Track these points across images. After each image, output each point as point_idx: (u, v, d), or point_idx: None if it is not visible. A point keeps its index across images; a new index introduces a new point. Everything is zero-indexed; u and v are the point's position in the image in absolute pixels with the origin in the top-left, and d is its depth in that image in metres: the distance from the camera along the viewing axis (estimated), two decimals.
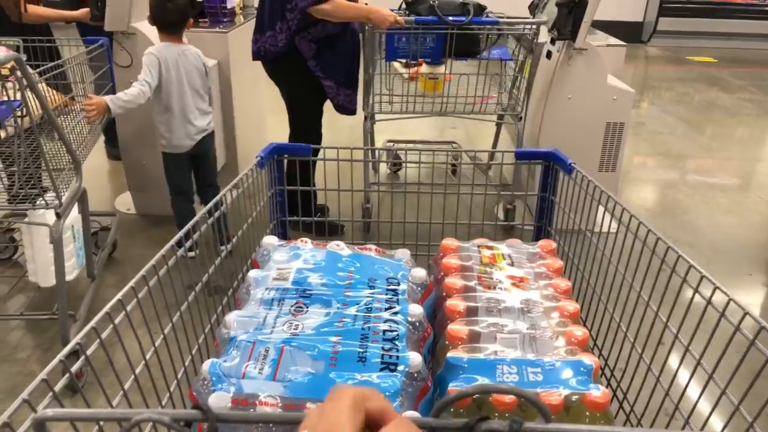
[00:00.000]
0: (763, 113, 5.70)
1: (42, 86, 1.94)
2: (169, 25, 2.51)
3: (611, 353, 1.07)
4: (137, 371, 0.79)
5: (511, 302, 0.98)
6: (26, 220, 2.05)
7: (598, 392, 0.81)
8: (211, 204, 1.07)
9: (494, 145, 3.55)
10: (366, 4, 2.76)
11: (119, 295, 0.76)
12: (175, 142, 2.60)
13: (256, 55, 2.83)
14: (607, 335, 1.08)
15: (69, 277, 2.15)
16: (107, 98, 2.31)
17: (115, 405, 0.71)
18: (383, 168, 3.86)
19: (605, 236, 1.11)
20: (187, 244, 0.97)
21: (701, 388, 0.84)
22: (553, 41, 2.87)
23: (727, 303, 0.79)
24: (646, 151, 4.46)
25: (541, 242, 1.15)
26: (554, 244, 1.14)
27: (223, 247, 1.09)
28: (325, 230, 1.56)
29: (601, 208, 1.13)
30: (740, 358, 0.75)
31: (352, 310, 0.92)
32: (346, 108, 2.90)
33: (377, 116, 3.07)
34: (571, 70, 2.78)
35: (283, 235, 1.31)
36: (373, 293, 0.96)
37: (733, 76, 6.76)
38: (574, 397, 0.81)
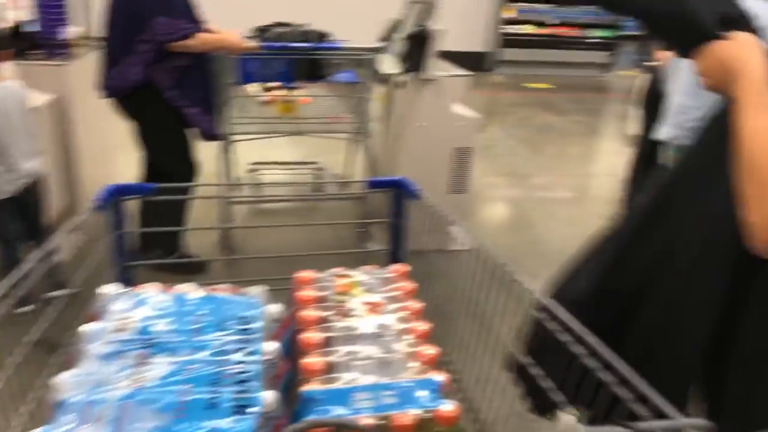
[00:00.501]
0: (591, 133, 6.42)
1: None
2: None
3: (464, 368, 1.12)
4: None
5: (365, 328, 1.00)
6: None
7: (448, 407, 0.85)
8: (39, 253, 0.98)
9: (349, 161, 3.72)
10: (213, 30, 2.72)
11: None
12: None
13: (107, 93, 2.67)
14: (460, 351, 1.13)
15: None
16: None
17: None
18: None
19: (452, 255, 1.18)
20: (19, 298, 0.87)
21: None
22: (403, 73, 3.02)
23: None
24: (495, 172, 4.81)
25: (394, 266, 1.19)
26: (407, 268, 1.18)
27: (53, 294, 0.99)
28: (185, 270, 1.49)
29: (450, 231, 1.19)
30: None
31: (201, 356, 0.89)
32: (213, 134, 2.83)
33: (238, 139, 3.08)
34: (421, 99, 2.94)
35: (128, 282, 1.23)
36: (224, 335, 0.94)
37: (566, 100, 7.54)
38: (426, 415, 0.84)
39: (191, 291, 1.03)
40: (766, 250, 0.75)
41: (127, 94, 2.61)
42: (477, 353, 1.08)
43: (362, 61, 3.10)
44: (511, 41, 8.84)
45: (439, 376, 0.90)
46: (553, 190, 4.57)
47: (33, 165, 2.44)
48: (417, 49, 2.81)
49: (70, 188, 3.15)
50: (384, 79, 3.29)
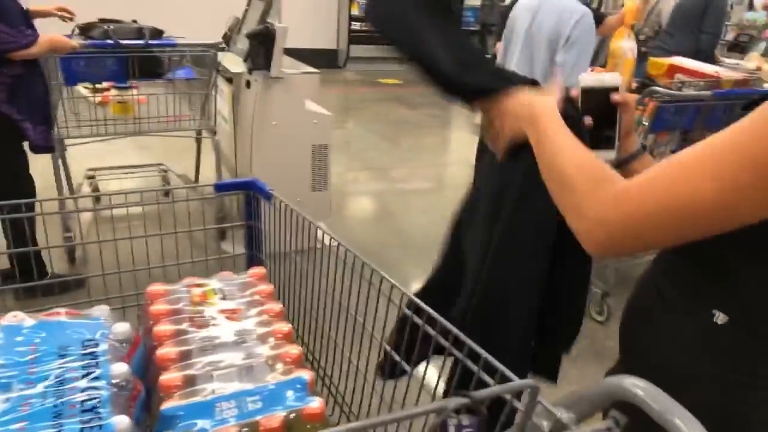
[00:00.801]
0: (443, 125, 6.78)
1: None
2: None
3: (327, 363, 1.14)
4: None
5: (225, 336, 0.98)
6: None
7: (315, 404, 0.86)
8: None
9: (197, 161, 3.72)
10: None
11: None
12: None
13: None
14: (323, 348, 1.14)
15: None
16: None
17: None
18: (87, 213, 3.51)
19: (312, 254, 1.18)
20: None
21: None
22: (250, 71, 2.96)
23: (402, 296, 0.91)
24: (355, 167, 4.91)
25: (252, 270, 1.17)
26: (264, 270, 1.17)
27: None
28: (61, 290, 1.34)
29: (308, 230, 1.19)
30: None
31: (39, 388, 0.81)
32: (43, 146, 2.61)
33: (69, 143, 2.92)
34: (272, 98, 2.91)
35: None
36: (65, 362, 0.86)
37: (416, 95, 7.88)
38: (292, 415, 0.84)
39: (22, 319, 0.94)
40: (594, 250, 0.84)
41: None
42: (344, 349, 1.10)
43: (201, 57, 3.09)
44: (360, 38, 9.03)
45: (305, 374, 0.91)
46: (412, 181, 4.76)
47: None
48: (262, 47, 2.77)
49: None
50: (229, 78, 3.21)
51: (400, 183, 4.67)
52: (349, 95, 7.92)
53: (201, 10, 5.29)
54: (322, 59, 5.88)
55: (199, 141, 3.62)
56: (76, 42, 2.61)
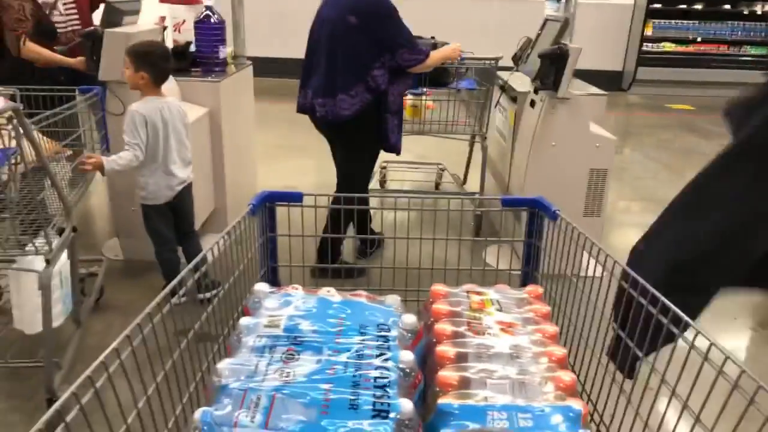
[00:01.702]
0: None
1: (37, 134, 1.97)
2: (160, 80, 2.54)
3: (599, 398, 1.08)
4: (129, 420, 0.79)
5: (500, 348, 1.00)
6: (15, 266, 2.03)
7: None
8: (200, 256, 1.07)
9: (467, 164, 4.12)
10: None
11: (115, 344, 0.77)
12: (157, 194, 2.60)
13: (323, 120, 2.78)
14: (595, 380, 1.09)
15: (55, 324, 2.13)
16: (104, 160, 2.38)
17: None
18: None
19: (591, 281, 1.14)
20: (182, 292, 0.98)
21: (688, 430, 0.85)
22: (536, 91, 2.97)
23: (709, 347, 0.81)
24: (629, 196, 4.55)
25: (529, 288, 1.18)
26: (541, 290, 1.16)
27: (206, 294, 1.09)
28: (347, 275, 1.54)
29: (586, 253, 1.16)
30: (724, 401, 0.77)
31: (343, 357, 0.93)
32: (397, 146, 2.93)
33: None
34: (555, 118, 2.87)
35: (274, 282, 1.32)
36: (363, 340, 0.98)
37: (711, 123, 6.97)
38: None
39: (332, 295, 1.09)
40: None
41: (348, 120, 2.72)
42: (614, 385, 1.03)
43: (483, 70, 3.47)
44: (649, 59, 8.36)
45: (578, 404, 0.87)
46: None
47: (187, 173, 2.70)
48: (552, 67, 2.75)
49: (216, 193, 3.44)
50: (513, 96, 3.27)
51: None
52: (631, 119, 7.39)
53: (493, 31, 5.51)
54: (604, 80, 5.61)
55: (471, 146, 3.98)
56: (457, 51, 3.02)
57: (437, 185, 4.40)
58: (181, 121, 2.62)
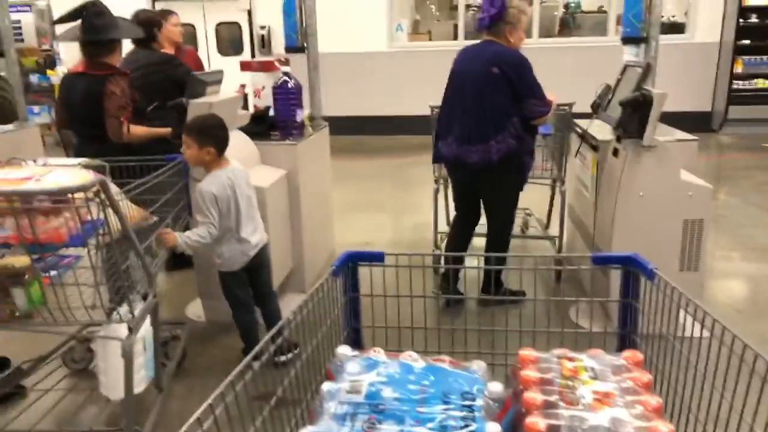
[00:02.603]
0: None
1: (126, 202, 2.10)
2: (224, 149, 2.59)
3: None
4: None
5: (596, 421, 0.93)
6: (101, 333, 2.12)
7: None
8: (282, 323, 1.08)
9: (550, 206, 4.16)
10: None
11: (198, 413, 0.78)
12: (233, 261, 2.66)
13: (476, 165, 3.07)
14: None
15: (137, 390, 2.19)
16: (178, 236, 2.45)
17: None
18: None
19: (693, 342, 1.05)
20: (263, 358, 0.98)
21: None
22: (618, 139, 2.88)
23: None
24: (729, 246, 4.26)
25: (626, 353, 1.10)
26: (641, 355, 1.09)
27: (281, 358, 1.09)
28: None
29: (684, 312, 1.08)
30: None
31: (425, 429, 0.90)
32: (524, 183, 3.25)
33: None
34: (641, 167, 2.76)
35: (356, 344, 1.32)
36: (447, 409, 0.94)
37: None
38: None
39: (415, 359, 1.07)
40: None
41: (494, 165, 3.03)
42: None
43: (559, 116, 3.46)
44: (740, 97, 7.98)
45: None
46: None
47: (260, 235, 2.74)
48: (635, 115, 2.67)
49: (294, 253, 3.53)
50: (594, 145, 3.19)
51: None
52: (724, 162, 7.00)
53: (569, 77, 5.46)
54: (690, 122, 5.38)
55: (553, 190, 3.98)
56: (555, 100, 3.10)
57: (523, 230, 4.47)
58: (247, 185, 2.68)
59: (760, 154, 7.18)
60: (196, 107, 2.91)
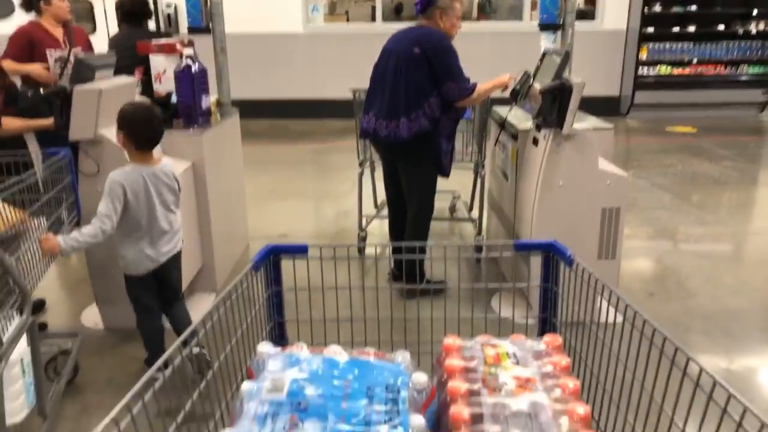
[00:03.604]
0: (750, 182, 5.94)
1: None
2: (150, 144, 2.47)
3: None
4: None
5: (517, 407, 0.99)
6: None
7: None
8: (186, 333, 1.05)
9: (473, 190, 4.32)
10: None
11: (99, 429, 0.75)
12: (137, 265, 2.54)
13: (386, 140, 3.24)
14: None
15: (16, 419, 2.05)
16: (60, 239, 2.29)
17: None
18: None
19: (611, 328, 1.13)
20: (167, 371, 0.96)
21: None
22: (538, 128, 3.01)
23: (728, 399, 0.79)
24: (641, 230, 4.57)
25: (547, 337, 1.17)
26: (560, 339, 1.16)
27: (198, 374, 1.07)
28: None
29: (604, 300, 1.15)
30: None
31: (349, 425, 0.92)
32: (447, 170, 3.36)
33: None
34: (561, 157, 2.90)
35: (281, 338, 1.32)
36: (371, 404, 0.97)
37: (715, 145, 7.08)
38: None
39: (339, 354, 1.09)
40: None
41: (408, 141, 3.16)
42: None
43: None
44: (646, 84, 8.58)
45: None
46: (712, 251, 4.24)
47: (173, 243, 2.62)
48: (555, 104, 2.79)
49: (203, 250, 3.44)
50: (514, 134, 3.32)
51: (698, 253, 4.19)
52: (632, 146, 7.49)
53: (487, 64, 5.63)
54: (601, 106, 5.72)
55: (476, 175, 4.13)
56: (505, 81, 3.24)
57: (451, 212, 4.71)
58: (170, 190, 2.54)
59: (665, 138, 7.73)
60: (81, 95, 2.75)
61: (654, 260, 4.07)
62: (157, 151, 2.54)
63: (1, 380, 1.88)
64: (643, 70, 8.62)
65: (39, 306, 3.38)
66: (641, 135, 7.99)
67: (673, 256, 4.14)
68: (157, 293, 2.66)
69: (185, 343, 1.03)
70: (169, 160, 2.62)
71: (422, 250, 1.39)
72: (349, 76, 4.80)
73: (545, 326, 1.33)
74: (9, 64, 3.58)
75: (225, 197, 3.72)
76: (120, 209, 2.40)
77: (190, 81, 3.40)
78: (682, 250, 4.26)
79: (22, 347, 2.11)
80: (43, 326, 3.12)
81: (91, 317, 3.29)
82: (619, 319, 1.08)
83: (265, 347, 1.10)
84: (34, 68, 3.73)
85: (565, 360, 1.10)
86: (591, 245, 2.99)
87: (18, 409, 2.09)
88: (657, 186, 5.65)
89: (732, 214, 5.05)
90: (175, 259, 2.67)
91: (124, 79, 3.21)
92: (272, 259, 1.31)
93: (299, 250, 1.31)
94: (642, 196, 5.31)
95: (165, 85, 3.60)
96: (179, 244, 2.67)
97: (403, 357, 1.10)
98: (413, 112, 3.14)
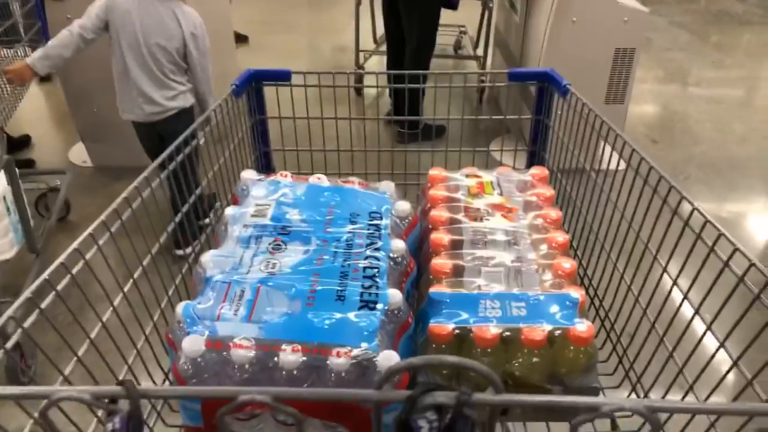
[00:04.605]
0: None
1: None
2: None
3: (600, 286, 1.11)
4: (104, 318, 0.83)
5: (497, 234, 1.02)
6: None
7: (582, 326, 0.85)
8: (172, 148, 1.06)
9: (479, 26, 4.18)
10: None
11: (90, 229, 0.79)
12: (122, 106, 2.46)
13: None
14: (597, 268, 1.12)
15: (6, 256, 2.11)
16: (28, 61, 2.18)
17: (84, 353, 0.76)
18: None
19: (605, 169, 1.12)
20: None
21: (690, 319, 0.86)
22: None
23: (733, 252, 0.77)
24: (652, 73, 4.44)
25: (533, 169, 1.18)
26: (547, 171, 1.17)
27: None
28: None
29: (605, 136, 1.13)
30: (745, 308, 0.75)
31: (332, 247, 0.96)
32: (453, 1, 3.36)
33: None
34: None
35: (268, 168, 1.34)
36: (354, 229, 1.00)
37: None
38: (557, 332, 0.85)
39: (323, 181, 1.11)
40: None
41: None
42: (624, 275, 1.04)
43: None
44: None
45: (576, 293, 0.90)
46: (724, 93, 4.15)
47: (167, 99, 2.47)
48: None
49: None
50: None
51: (709, 98, 4.09)
52: None
53: None
54: None
55: (483, 7, 3.92)
56: None
57: (456, 49, 4.55)
58: (165, 31, 2.35)
59: None
60: None
61: (662, 105, 4.01)
62: None
63: None
64: None
65: (24, 142, 3.40)
66: None
67: (683, 100, 4.07)
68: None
69: (172, 156, 1.05)
70: (182, 5, 2.39)
71: (424, 80, 1.35)
72: None
73: (533, 159, 1.34)
74: None
75: (209, 32, 3.58)
76: (98, 24, 2.28)
77: None
78: (693, 95, 4.18)
79: (3, 185, 2.12)
80: (30, 162, 3.17)
81: (79, 155, 3.33)
82: (621, 166, 1.04)
83: (249, 174, 1.11)
84: None
85: (549, 191, 1.12)
86: (599, 89, 2.93)
87: (7, 246, 2.12)
88: (675, 24, 5.40)
89: (751, 56, 4.88)
90: (177, 120, 2.48)
91: None
92: (254, 86, 1.29)
93: (282, 76, 1.28)
94: (658, 36, 5.10)
95: None
96: (182, 102, 2.51)
97: (387, 186, 1.12)
98: None
